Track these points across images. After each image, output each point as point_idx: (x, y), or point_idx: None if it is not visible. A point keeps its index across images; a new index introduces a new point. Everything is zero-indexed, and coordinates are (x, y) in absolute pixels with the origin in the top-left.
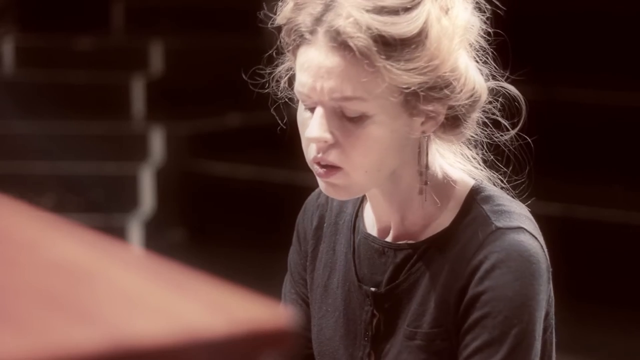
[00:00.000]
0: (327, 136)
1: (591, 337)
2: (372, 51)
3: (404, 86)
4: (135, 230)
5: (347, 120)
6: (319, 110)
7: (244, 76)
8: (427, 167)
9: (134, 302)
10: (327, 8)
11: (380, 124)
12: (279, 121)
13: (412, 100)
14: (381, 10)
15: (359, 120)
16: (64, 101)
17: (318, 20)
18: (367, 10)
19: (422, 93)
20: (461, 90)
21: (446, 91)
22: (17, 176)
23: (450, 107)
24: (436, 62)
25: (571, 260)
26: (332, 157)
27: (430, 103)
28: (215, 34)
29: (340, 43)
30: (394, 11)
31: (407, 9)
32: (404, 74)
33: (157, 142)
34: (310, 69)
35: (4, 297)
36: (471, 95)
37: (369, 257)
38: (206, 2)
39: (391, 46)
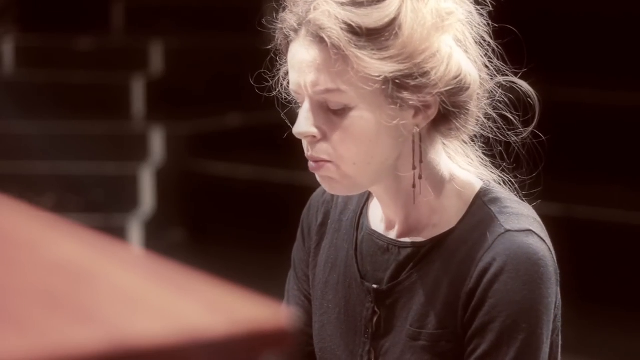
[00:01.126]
0: (314, 130)
1: (591, 336)
2: (344, 42)
3: (376, 74)
4: (135, 230)
5: (332, 114)
6: (306, 105)
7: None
8: (421, 160)
9: (134, 302)
10: (309, 7)
11: (363, 115)
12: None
13: (388, 89)
14: (355, 3)
15: (342, 112)
16: (64, 101)
17: (302, 18)
18: (342, 4)
19: (397, 81)
20: (441, 78)
21: (423, 79)
22: (17, 176)
23: (441, 99)
24: (409, 50)
25: (570, 260)
26: (321, 152)
27: (408, 91)
28: (215, 34)
29: (316, 37)
30: (368, 3)
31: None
32: (376, 63)
33: (157, 142)
34: (295, 66)
35: (4, 297)
36: (456, 84)
37: (372, 254)
38: (206, 2)
39: (363, 36)
